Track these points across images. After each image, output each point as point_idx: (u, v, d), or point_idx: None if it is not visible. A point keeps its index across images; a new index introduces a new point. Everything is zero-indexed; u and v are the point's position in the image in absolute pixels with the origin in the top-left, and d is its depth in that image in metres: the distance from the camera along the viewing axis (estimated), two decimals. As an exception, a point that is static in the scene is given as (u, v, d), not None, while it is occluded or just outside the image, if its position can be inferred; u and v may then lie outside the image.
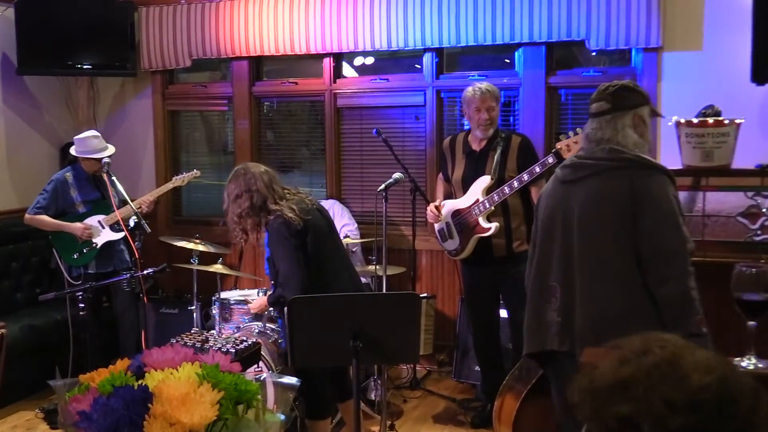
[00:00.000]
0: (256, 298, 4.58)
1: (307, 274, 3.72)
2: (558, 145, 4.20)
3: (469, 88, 4.46)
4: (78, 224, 5.04)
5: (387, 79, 5.69)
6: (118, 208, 4.87)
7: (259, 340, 4.08)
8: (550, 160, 4.19)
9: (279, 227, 3.71)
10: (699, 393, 1.04)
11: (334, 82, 5.81)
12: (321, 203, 5.41)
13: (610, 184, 2.65)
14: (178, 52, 6.00)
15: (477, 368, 4.88)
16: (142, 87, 6.32)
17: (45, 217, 5.05)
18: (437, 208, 4.59)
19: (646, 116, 2.80)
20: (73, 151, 5.08)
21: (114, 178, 4.82)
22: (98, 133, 5.11)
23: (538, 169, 4.22)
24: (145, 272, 4.20)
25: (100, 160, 4.94)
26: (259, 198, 3.73)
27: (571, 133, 4.19)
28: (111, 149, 5.07)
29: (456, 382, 5.21)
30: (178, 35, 5.99)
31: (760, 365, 1.84)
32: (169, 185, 5.40)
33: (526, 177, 4.24)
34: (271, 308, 4.36)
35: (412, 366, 5.17)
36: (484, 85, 4.43)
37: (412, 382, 5.17)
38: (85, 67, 5.96)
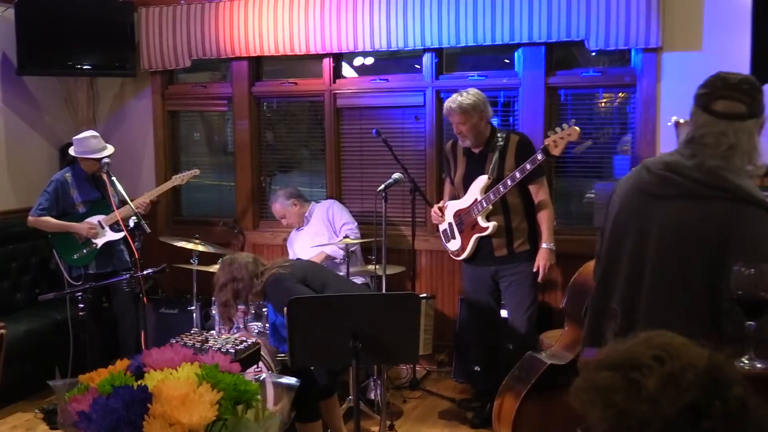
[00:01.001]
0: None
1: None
2: (546, 141, 4.21)
3: (447, 101, 4.48)
4: (83, 224, 5.05)
5: (387, 80, 5.69)
6: (117, 209, 4.87)
7: (259, 341, 4.08)
8: (539, 157, 4.22)
9: (275, 284, 3.90)
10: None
11: (334, 82, 5.81)
12: (320, 203, 5.48)
13: (699, 215, 2.21)
14: (178, 52, 6.00)
15: (477, 368, 4.88)
16: (142, 87, 6.32)
17: (49, 219, 5.05)
18: (440, 209, 4.63)
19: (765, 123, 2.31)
20: (71, 151, 5.08)
21: (113, 178, 4.82)
22: (97, 134, 5.11)
23: (528, 167, 4.24)
24: (144, 272, 4.20)
25: (99, 160, 4.94)
26: (244, 287, 3.94)
27: (558, 129, 4.19)
28: (110, 149, 5.07)
29: (455, 383, 5.21)
30: (177, 35, 5.98)
31: (759, 365, 1.84)
32: (169, 184, 5.40)
33: (518, 175, 4.26)
34: None
35: (411, 366, 5.17)
36: (456, 99, 4.40)
37: (411, 383, 5.17)
38: (84, 67, 5.96)
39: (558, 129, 4.20)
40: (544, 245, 4.38)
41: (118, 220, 4.87)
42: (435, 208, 4.68)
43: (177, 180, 5.40)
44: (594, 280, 2.56)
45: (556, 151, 4.17)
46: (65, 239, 5.08)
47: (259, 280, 3.93)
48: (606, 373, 1.10)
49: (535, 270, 4.36)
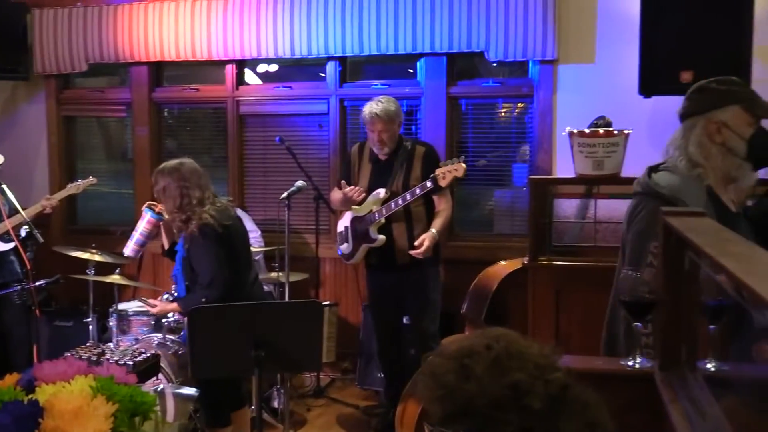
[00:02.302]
0: (159, 302, 4.32)
1: (231, 278, 3.75)
2: (437, 171, 4.27)
3: (366, 107, 4.44)
4: None
5: (290, 87, 5.68)
6: (8, 217, 4.68)
7: (159, 352, 3.99)
8: (429, 184, 4.27)
9: (203, 230, 3.73)
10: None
11: (237, 89, 5.76)
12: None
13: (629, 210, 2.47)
14: (74, 55, 5.82)
15: (380, 374, 4.92)
16: (35, 92, 6.10)
17: None
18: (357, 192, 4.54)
19: (729, 120, 2.29)
20: (-43, 158, 4.86)
21: (4, 186, 4.63)
22: (-14, 140, 4.91)
23: (418, 191, 4.31)
24: (37, 284, 4.05)
25: (-13, 167, 4.74)
26: (193, 195, 3.75)
27: (449, 162, 4.29)
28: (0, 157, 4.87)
29: (360, 389, 5.23)
30: (74, 38, 5.80)
31: (646, 364, 1.93)
32: (64, 193, 5.22)
33: (408, 197, 4.33)
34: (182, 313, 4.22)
35: (315, 374, 5.17)
36: (379, 106, 4.36)
37: (315, 390, 5.16)
38: (-28, 69, 5.71)
39: (449, 161, 4.29)
40: (432, 230, 4.38)
41: (8, 230, 4.68)
42: (349, 188, 4.54)
43: (72, 189, 5.22)
44: None
45: (443, 183, 4.25)
46: (-49, 250, 4.85)
47: (201, 205, 3.74)
48: (443, 361, 1.22)
49: (417, 243, 4.34)
